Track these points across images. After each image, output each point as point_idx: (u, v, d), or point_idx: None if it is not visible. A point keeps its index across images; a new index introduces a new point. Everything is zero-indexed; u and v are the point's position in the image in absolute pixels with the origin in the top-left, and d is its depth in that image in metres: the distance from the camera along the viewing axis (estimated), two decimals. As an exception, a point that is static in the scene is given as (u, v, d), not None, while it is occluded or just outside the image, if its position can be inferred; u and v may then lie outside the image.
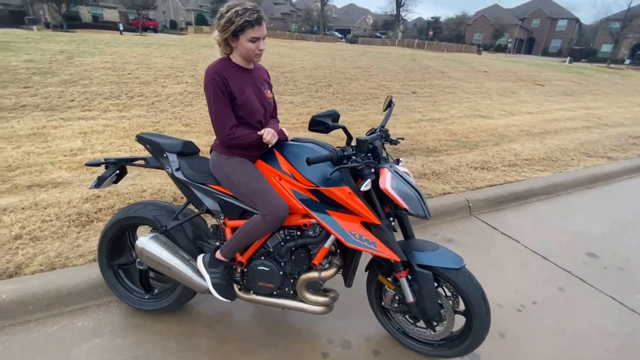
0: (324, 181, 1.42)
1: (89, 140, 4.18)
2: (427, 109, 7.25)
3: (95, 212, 2.68)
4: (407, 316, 1.66)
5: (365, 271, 1.70)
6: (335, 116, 1.42)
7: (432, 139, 5.28)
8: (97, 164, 1.73)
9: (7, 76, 6.12)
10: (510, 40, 48.31)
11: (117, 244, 1.87)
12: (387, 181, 1.39)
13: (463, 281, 1.44)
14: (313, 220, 1.49)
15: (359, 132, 5.30)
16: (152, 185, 3.12)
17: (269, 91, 1.60)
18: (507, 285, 2.29)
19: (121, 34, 26.55)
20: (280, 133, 1.58)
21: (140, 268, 1.80)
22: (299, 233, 1.57)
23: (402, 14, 51.52)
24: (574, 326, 1.98)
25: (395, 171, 1.47)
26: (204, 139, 4.43)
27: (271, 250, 1.59)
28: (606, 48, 45.57)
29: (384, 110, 1.82)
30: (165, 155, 1.65)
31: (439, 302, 1.51)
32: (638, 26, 39.80)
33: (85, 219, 2.58)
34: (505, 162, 4.45)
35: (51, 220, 2.53)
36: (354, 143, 1.48)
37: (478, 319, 1.45)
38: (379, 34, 57.91)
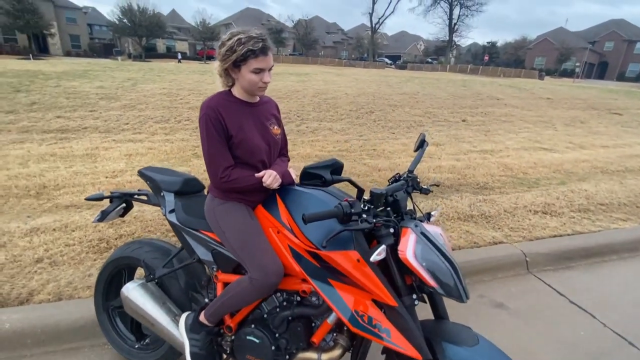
0: (323, 243, 1.12)
1: (132, 162, 4.37)
2: (478, 138, 6.65)
3: (116, 239, 2.65)
4: None
5: (382, 354, 1.34)
6: (336, 166, 1.13)
7: (482, 173, 4.72)
8: (99, 198, 1.64)
9: (78, 100, 6.85)
10: (578, 64, 44.47)
11: (114, 283, 1.75)
12: (409, 248, 1.07)
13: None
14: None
15: (399, 162, 4.93)
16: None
17: (276, 127, 1.40)
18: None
19: (179, 62, 29.74)
20: (286, 175, 1.34)
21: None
22: (298, 299, 1.28)
23: (455, 39, 50.54)
24: None
25: (422, 232, 1.13)
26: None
27: (264, 316, 1.32)
28: (701, 72, 39.76)
29: (415, 151, 1.51)
30: (162, 194, 1.51)
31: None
32: None
33: (105, 246, 2.56)
34: (574, 206, 3.76)
35: (73, 245, 2.54)
36: (367, 196, 1.19)
37: None
38: (430, 60, 57.11)
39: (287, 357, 1.31)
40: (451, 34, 48.25)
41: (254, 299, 1.23)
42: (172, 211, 1.46)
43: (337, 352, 1.23)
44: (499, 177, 4.63)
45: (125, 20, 36.19)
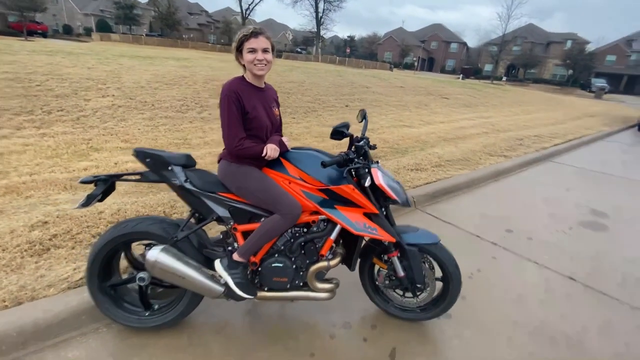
0: (332, 181, 1.67)
1: (9, 162, 3.64)
2: (360, 120, 7.98)
3: (50, 239, 2.42)
4: (397, 290, 1.99)
5: (359, 258, 1.98)
6: (348, 126, 1.71)
7: (371, 146, 5.90)
8: (90, 182, 1.68)
9: None
10: (415, 59, 55.04)
11: (106, 264, 1.80)
12: (380, 178, 1.71)
13: (441, 253, 1.83)
14: (320, 216, 1.72)
15: (306, 143, 5.61)
16: (109, 206, 2.92)
17: (276, 109, 1.80)
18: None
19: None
20: (282, 144, 1.76)
21: (141, 284, 1.77)
22: (305, 230, 1.77)
23: (322, 32, 54.44)
24: (509, 282, 2.57)
25: (380, 170, 1.80)
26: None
27: (282, 248, 1.76)
28: (488, 67, 55.20)
29: (360, 122, 2.15)
30: (170, 168, 1.70)
31: (424, 273, 1.87)
32: (510, 50, 49.66)
33: (40, 248, 2.33)
34: (433, 163, 5.25)
35: (-4, 253, 2.21)
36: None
37: (454, 282, 1.85)
38: (299, 50, 60.07)
39: (301, 273, 1.79)
40: (319, 26, 51.60)
41: (283, 231, 1.65)
42: (186, 180, 1.68)
43: (338, 259, 1.80)
44: (382, 149, 5.89)
45: None
